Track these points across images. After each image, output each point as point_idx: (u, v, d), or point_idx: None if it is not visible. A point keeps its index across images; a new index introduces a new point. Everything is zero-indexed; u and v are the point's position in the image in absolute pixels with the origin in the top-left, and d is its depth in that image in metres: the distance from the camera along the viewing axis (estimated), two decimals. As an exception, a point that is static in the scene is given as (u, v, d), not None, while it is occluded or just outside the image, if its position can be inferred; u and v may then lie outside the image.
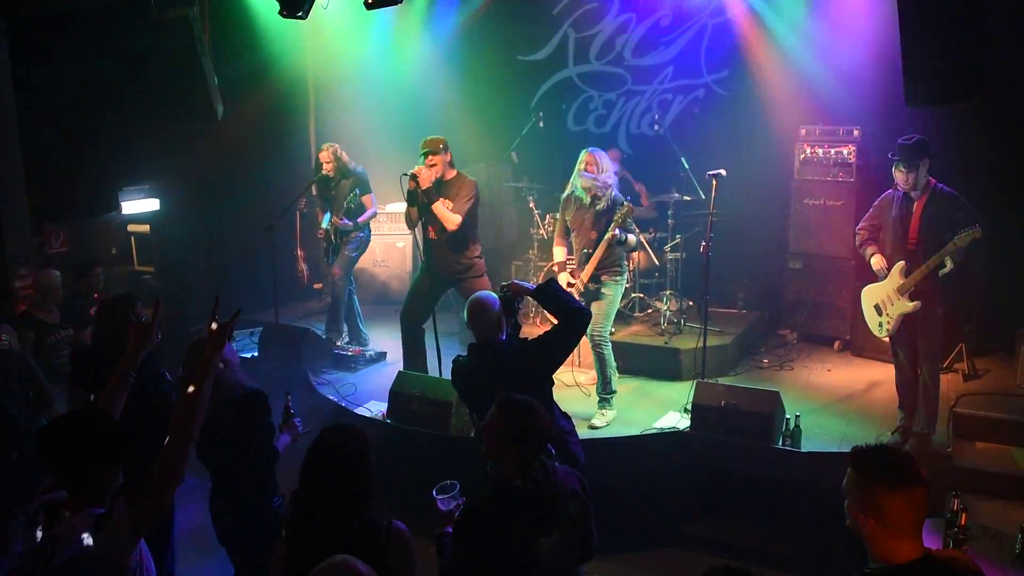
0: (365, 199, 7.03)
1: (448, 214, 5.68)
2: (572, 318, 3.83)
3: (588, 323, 4.00)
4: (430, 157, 5.69)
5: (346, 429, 2.72)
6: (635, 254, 6.90)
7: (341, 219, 6.94)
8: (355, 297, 7.37)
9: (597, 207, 5.58)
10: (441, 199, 5.70)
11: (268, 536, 3.62)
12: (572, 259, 5.90)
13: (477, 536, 2.75)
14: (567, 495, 2.83)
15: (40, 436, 2.60)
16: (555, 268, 6.12)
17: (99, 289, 6.41)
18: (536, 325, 7.17)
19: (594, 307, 5.62)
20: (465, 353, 3.95)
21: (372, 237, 7.47)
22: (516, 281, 4.06)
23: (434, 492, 3.02)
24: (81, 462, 2.53)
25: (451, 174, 5.81)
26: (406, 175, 5.69)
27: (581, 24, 8.27)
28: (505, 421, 2.79)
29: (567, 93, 8.47)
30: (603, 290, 5.67)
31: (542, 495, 2.75)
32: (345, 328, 7.26)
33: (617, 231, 5.46)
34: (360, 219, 7.02)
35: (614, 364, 5.78)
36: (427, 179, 5.63)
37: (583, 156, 5.65)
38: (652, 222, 7.43)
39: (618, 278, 5.72)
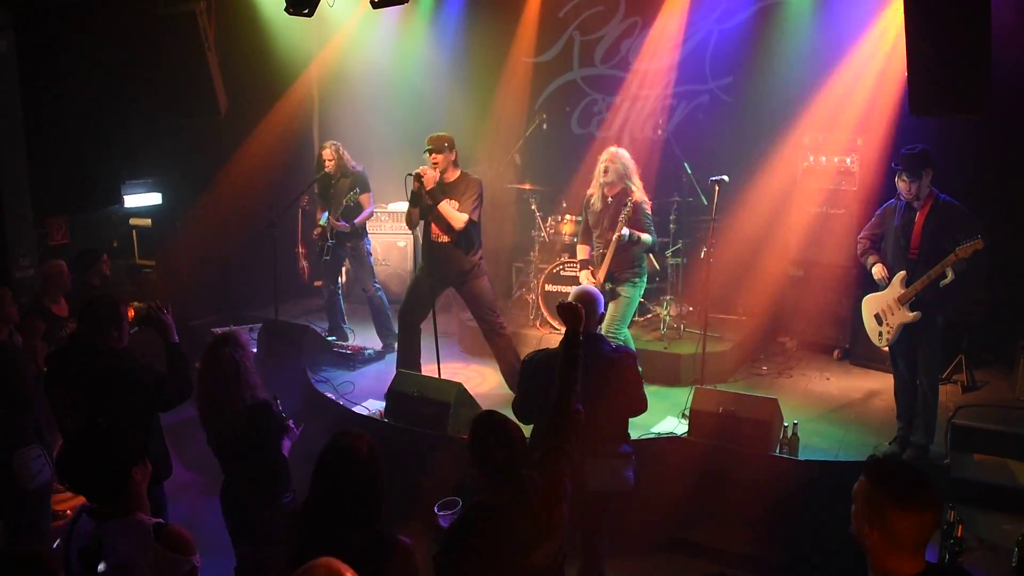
0: (363, 198, 7.01)
1: (454, 213, 5.62)
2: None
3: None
4: (433, 155, 5.62)
5: (359, 435, 2.63)
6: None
7: (339, 220, 6.94)
8: (384, 295, 7.35)
9: (613, 206, 5.60)
10: (447, 199, 5.66)
11: (277, 533, 3.65)
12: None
13: (467, 560, 2.61)
14: (554, 503, 2.72)
15: (64, 465, 2.62)
16: (577, 266, 6.10)
17: (102, 282, 6.34)
18: (535, 327, 7.16)
19: (610, 307, 5.62)
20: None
21: (373, 236, 7.49)
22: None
23: (436, 508, 2.90)
24: (117, 472, 2.56)
25: (455, 174, 5.76)
26: (410, 175, 5.63)
27: (587, 27, 8.27)
28: (478, 440, 2.72)
29: (571, 96, 8.46)
30: (619, 291, 5.66)
31: (521, 513, 2.64)
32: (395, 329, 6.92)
33: (624, 231, 5.45)
34: (356, 220, 7.00)
35: None
36: (431, 179, 5.58)
37: (603, 155, 5.68)
38: (654, 227, 7.40)
39: (635, 280, 5.72)
